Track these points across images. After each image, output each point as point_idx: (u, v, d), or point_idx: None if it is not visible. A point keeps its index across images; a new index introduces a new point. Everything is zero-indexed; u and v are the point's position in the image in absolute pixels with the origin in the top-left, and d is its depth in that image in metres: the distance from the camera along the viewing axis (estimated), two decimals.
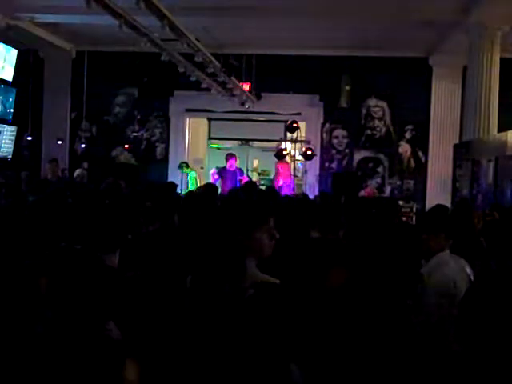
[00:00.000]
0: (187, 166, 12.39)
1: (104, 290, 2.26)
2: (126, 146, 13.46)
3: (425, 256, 3.97)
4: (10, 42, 11.47)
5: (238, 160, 12.00)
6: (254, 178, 13.70)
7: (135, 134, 13.50)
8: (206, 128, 14.69)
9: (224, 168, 11.66)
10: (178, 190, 8.95)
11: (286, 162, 11.56)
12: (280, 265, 3.20)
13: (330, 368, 2.22)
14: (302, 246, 3.45)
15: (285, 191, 9.66)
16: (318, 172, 12.85)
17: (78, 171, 11.35)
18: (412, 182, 12.91)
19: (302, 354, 2.19)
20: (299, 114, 12.96)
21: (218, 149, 15.02)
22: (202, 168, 14.03)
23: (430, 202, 10.57)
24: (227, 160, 11.53)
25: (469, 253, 4.18)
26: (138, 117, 13.52)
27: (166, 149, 13.59)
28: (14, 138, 12.47)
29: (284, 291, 2.73)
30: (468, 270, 3.91)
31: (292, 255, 3.24)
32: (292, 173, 11.61)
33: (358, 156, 13.08)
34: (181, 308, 2.55)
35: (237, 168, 11.71)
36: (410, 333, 2.62)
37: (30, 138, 13.02)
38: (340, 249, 3.13)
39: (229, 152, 12.29)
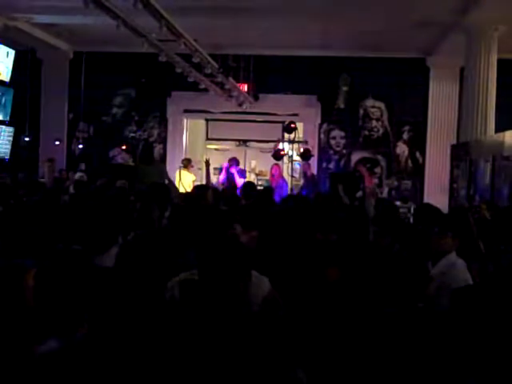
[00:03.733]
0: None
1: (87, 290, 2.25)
2: (124, 146, 13.45)
3: (432, 257, 3.97)
4: (7, 43, 11.45)
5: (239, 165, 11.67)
6: (252, 178, 13.64)
7: (133, 134, 13.49)
8: (203, 129, 14.68)
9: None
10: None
11: (277, 165, 11.49)
12: (282, 262, 3.19)
13: (332, 370, 2.22)
14: (302, 247, 3.45)
15: (278, 193, 9.62)
16: (315, 173, 12.84)
17: (77, 175, 11.31)
18: (409, 182, 12.90)
19: (307, 358, 2.19)
20: (297, 114, 12.93)
21: (216, 149, 15.00)
22: (199, 169, 13.99)
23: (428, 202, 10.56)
24: (230, 166, 11.20)
25: (467, 255, 4.18)
26: (136, 117, 13.51)
27: (164, 149, 13.58)
28: (11, 138, 12.45)
29: (286, 292, 2.72)
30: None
31: (293, 254, 3.23)
32: (290, 173, 11.56)
33: (356, 157, 13.08)
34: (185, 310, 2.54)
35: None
36: (422, 335, 2.61)
37: (27, 139, 12.99)
38: (336, 249, 3.13)
39: (232, 157, 11.78)
